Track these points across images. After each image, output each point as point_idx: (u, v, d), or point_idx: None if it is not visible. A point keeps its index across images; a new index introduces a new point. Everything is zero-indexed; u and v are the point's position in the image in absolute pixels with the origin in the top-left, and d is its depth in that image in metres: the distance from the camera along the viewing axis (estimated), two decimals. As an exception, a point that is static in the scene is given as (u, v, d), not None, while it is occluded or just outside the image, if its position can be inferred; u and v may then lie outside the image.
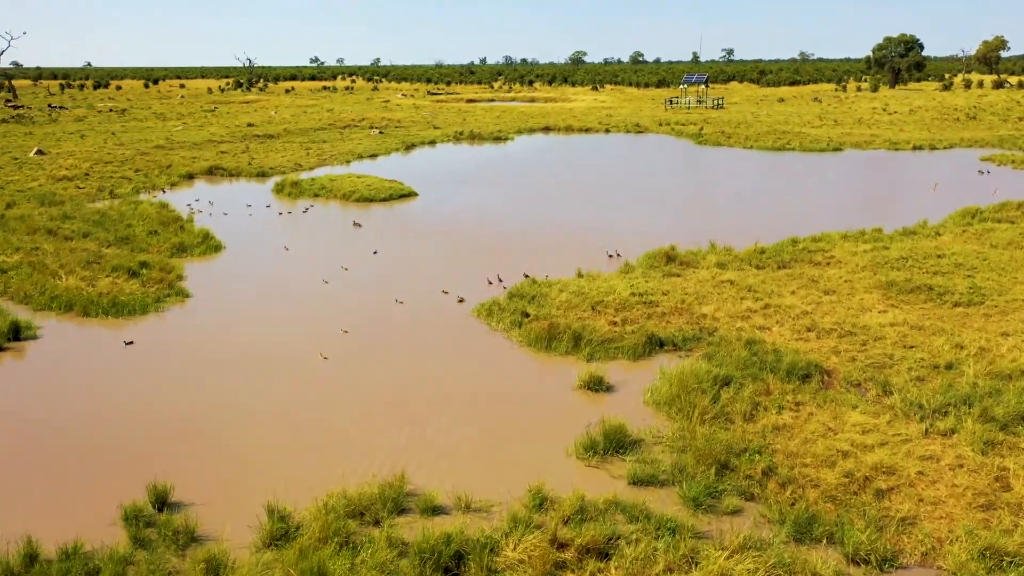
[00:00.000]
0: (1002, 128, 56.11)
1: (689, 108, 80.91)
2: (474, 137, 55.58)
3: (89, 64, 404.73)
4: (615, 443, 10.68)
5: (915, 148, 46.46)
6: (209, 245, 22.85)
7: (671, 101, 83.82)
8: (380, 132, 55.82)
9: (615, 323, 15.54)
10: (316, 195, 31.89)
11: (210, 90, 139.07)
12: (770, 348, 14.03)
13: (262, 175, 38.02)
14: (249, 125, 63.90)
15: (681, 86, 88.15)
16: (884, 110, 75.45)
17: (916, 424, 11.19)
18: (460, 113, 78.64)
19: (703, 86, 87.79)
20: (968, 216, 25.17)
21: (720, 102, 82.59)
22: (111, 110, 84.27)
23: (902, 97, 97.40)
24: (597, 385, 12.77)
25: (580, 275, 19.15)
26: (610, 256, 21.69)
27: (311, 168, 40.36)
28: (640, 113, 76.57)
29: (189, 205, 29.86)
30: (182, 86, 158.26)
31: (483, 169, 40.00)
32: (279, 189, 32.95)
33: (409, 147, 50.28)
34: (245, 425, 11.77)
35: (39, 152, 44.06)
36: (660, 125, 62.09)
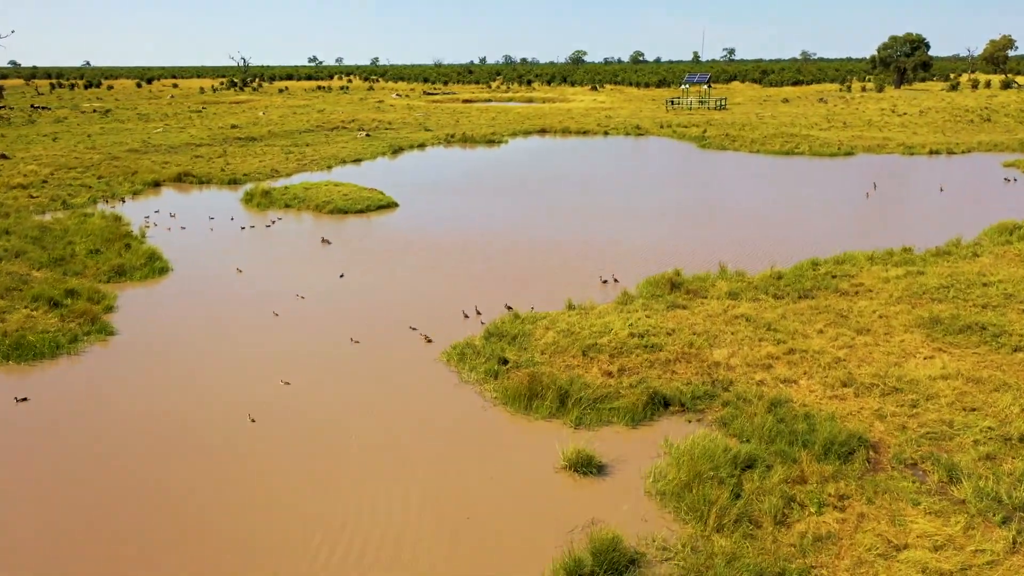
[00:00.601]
0: (1020, 131, 53.46)
1: (691, 109, 78.30)
2: (466, 140, 52.96)
3: (88, 63, 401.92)
4: (607, 563, 8.08)
5: (931, 152, 43.87)
6: (153, 267, 20.23)
7: (672, 102, 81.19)
8: (367, 135, 53.24)
9: (610, 374, 12.94)
10: (287, 206, 29.27)
11: (202, 90, 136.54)
12: (799, 411, 11.43)
13: (234, 182, 35.41)
14: (233, 127, 61.32)
15: (683, 86, 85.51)
16: (893, 111, 72.86)
17: (999, 531, 8.59)
18: (454, 114, 76.04)
19: (705, 86, 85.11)
20: (1006, 232, 22.54)
21: (723, 103, 79.97)
22: (95, 111, 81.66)
23: (909, 97, 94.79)
24: (586, 466, 10.17)
25: (571, 307, 16.55)
26: (604, 282, 19.09)
27: (289, 174, 37.74)
28: (640, 114, 73.96)
29: (147, 218, 27.28)
30: (175, 86, 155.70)
31: (471, 176, 37.38)
32: (248, 199, 30.33)
33: (396, 151, 47.66)
34: (124, 532, 9.16)
35: (2, 156, 41.46)
36: (661, 127, 59.48)
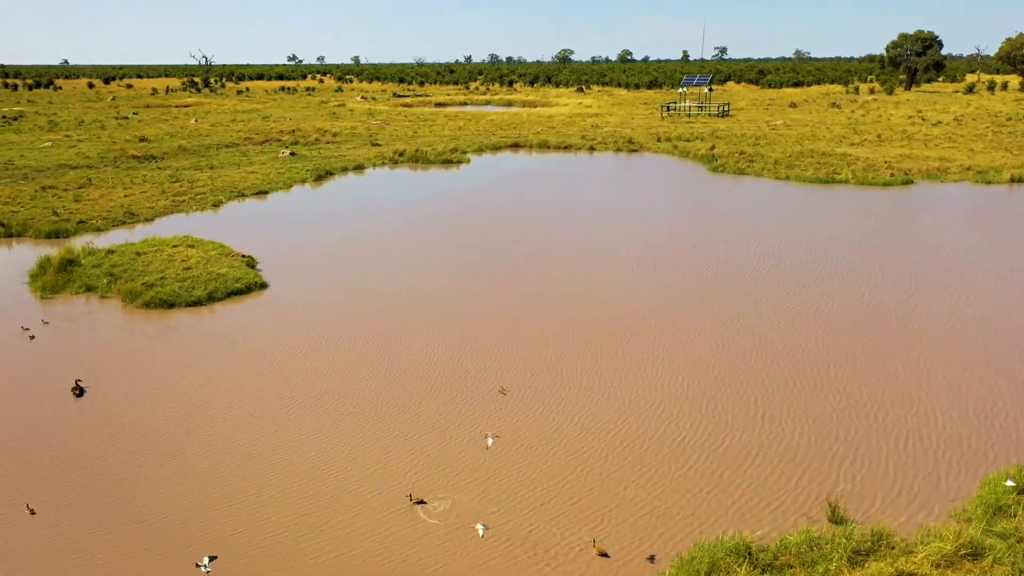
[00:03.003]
0: (1099, 147, 43.49)
1: (690, 116, 68.04)
2: (417, 159, 42.44)
3: (66, 62, 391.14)
4: None
5: (1012, 180, 33.75)
6: None
7: (668, 107, 70.86)
8: (292, 154, 42.53)
9: None
10: (89, 289, 18.68)
11: (155, 91, 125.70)
12: None
13: (59, 235, 24.81)
14: (141, 140, 50.56)
15: (680, 89, 75.16)
16: (922, 119, 62.98)
17: None
18: (415, 123, 65.45)
19: (706, 89, 74.69)
20: None
21: (726, 109, 69.76)
22: (3, 117, 70.59)
23: (928, 101, 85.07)
24: None
25: None
26: (596, 549, 8.70)
27: (149, 219, 27.14)
28: (632, 122, 63.65)
29: None
30: (129, 86, 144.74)
31: (400, 223, 26.96)
32: (38, 273, 19.70)
33: (322, 176, 37.08)
34: None
35: None
36: (659, 141, 49.14)
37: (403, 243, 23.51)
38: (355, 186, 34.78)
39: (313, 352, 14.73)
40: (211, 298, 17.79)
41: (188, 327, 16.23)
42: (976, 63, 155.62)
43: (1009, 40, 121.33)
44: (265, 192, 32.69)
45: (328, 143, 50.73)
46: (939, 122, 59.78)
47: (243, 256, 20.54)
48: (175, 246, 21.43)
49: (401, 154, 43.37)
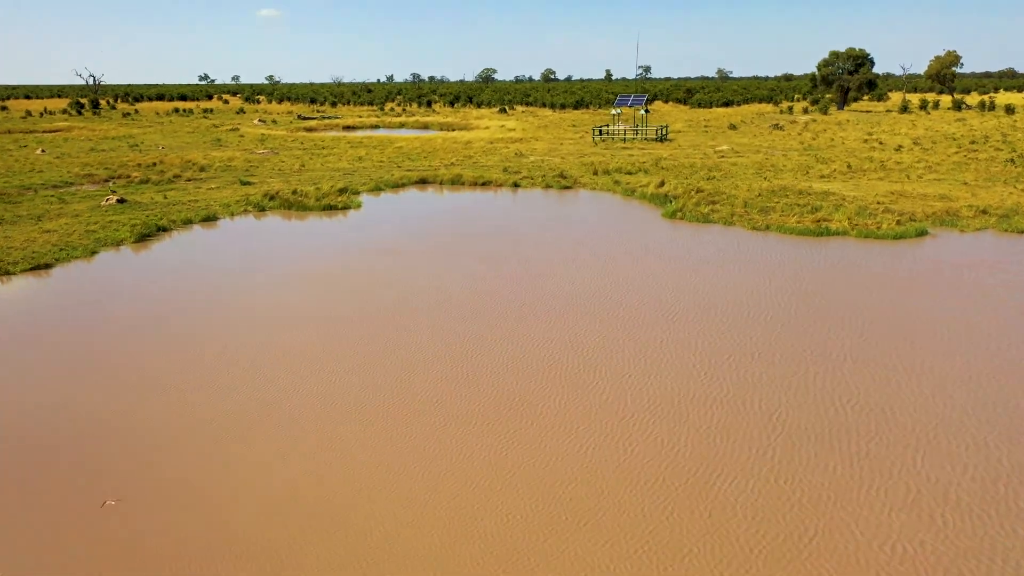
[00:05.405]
0: (1104, 178, 37.25)
1: (626, 141, 60.38)
2: (292, 204, 32.93)
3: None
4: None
5: (1046, 228, 26.63)
6: None
7: (601, 131, 63.07)
8: (121, 200, 32.39)
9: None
10: None
11: (28, 113, 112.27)
12: None
13: None
14: (-58, 179, 39.57)
15: (614, 110, 67.54)
16: (879, 142, 56.89)
17: None
18: (310, 151, 55.81)
19: (642, 110, 67.30)
20: None
21: (664, 132, 62.40)
22: None
23: (871, 121, 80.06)
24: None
25: None
26: None
27: None
28: (562, 148, 55.51)
29: None
30: (3, 108, 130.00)
31: (217, 343, 17.64)
32: None
33: (150, 234, 27.26)
34: None
35: None
36: (595, 174, 40.96)
37: (211, 389, 14.22)
38: (185, 254, 25.04)
39: None
40: None
41: None
42: (903, 81, 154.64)
43: (938, 58, 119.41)
44: (48, 265, 22.75)
45: (190, 180, 40.75)
46: (900, 147, 53.60)
47: None
48: None
49: (273, 197, 33.78)
